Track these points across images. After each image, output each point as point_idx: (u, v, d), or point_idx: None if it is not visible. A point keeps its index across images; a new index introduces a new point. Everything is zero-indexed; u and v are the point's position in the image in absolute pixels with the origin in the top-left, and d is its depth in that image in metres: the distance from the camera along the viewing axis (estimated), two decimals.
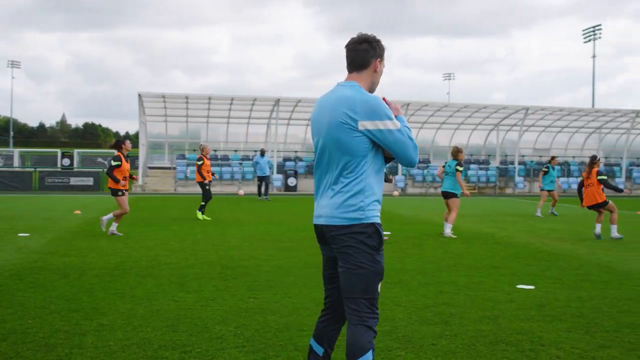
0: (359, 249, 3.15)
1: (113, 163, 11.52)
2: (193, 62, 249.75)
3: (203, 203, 15.32)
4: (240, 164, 33.84)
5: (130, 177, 11.93)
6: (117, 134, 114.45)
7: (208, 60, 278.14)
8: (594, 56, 63.70)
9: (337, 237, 3.20)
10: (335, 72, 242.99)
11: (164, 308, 5.82)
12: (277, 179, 32.29)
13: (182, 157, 34.94)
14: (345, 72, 3.40)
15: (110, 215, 11.64)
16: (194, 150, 36.99)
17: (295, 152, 38.35)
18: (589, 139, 42.63)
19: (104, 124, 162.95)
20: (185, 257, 8.99)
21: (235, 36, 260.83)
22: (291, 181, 32.58)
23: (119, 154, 11.60)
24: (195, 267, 8.12)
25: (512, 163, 37.34)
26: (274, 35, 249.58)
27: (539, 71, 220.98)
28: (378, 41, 3.36)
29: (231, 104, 34.09)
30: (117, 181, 11.43)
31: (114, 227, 11.53)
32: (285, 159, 35.76)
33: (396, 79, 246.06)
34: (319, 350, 3.45)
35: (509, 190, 35.90)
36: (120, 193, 11.54)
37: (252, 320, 5.42)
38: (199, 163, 15.53)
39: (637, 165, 40.22)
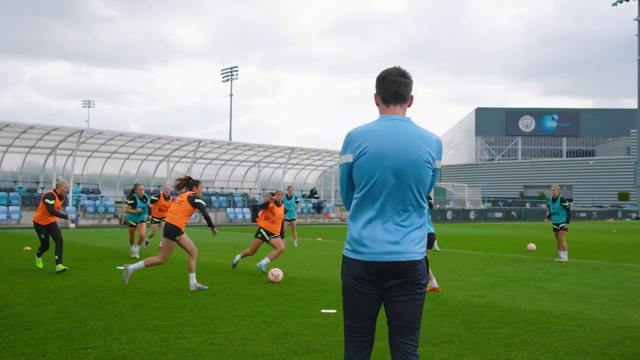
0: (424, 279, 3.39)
1: None
2: None
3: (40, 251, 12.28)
4: None
5: None
6: None
7: None
8: (231, 95, 71.47)
9: (412, 270, 3.27)
10: None
11: None
12: None
13: None
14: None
15: None
16: None
17: None
18: (249, 172, 46.55)
19: None
20: None
21: None
22: None
23: None
24: None
25: None
26: None
27: (176, 106, 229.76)
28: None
29: None
30: None
31: None
32: None
33: (28, 102, 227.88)
34: None
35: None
36: None
37: None
38: (50, 202, 11.77)
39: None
